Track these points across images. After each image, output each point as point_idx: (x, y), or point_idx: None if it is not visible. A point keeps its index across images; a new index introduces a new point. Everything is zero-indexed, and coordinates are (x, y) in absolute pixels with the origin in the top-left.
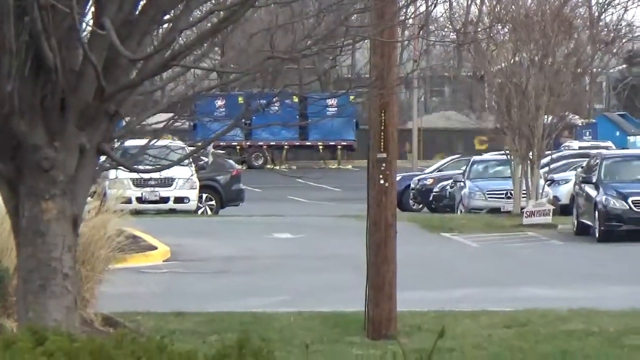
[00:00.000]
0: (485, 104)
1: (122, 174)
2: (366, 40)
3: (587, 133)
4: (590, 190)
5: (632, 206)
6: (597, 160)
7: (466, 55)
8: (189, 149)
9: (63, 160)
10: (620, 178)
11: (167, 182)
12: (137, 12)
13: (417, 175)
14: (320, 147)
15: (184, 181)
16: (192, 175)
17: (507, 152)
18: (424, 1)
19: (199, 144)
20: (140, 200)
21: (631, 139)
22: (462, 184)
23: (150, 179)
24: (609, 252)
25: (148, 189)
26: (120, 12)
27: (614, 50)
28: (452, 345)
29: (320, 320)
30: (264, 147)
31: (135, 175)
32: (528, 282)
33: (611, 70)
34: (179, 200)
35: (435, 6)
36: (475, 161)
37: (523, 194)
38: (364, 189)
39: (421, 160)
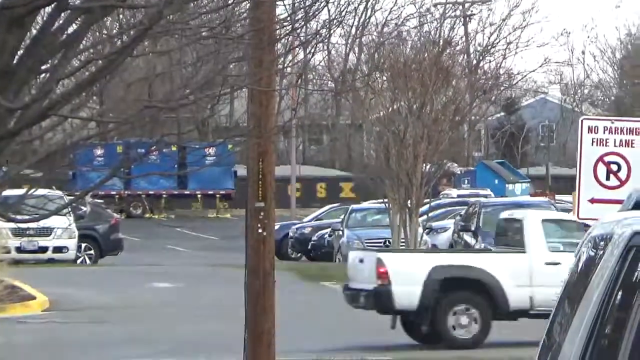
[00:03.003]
0: (364, 152)
1: (1, 224)
2: (244, 89)
3: (466, 181)
4: (468, 238)
5: None
6: (476, 209)
7: (344, 103)
8: (67, 199)
9: None
10: None
11: (46, 232)
12: (14, 62)
13: (296, 223)
14: (199, 196)
15: (62, 230)
16: (70, 224)
17: (386, 200)
18: (302, 49)
19: (78, 193)
20: (19, 249)
21: (510, 186)
22: (340, 232)
23: (29, 228)
24: None
25: (27, 238)
26: None
27: (493, 98)
28: None
29: None
30: (143, 196)
31: (13, 224)
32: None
33: (490, 118)
34: (57, 249)
35: (313, 54)
36: (353, 210)
37: (401, 242)
38: (242, 237)
39: (299, 209)
